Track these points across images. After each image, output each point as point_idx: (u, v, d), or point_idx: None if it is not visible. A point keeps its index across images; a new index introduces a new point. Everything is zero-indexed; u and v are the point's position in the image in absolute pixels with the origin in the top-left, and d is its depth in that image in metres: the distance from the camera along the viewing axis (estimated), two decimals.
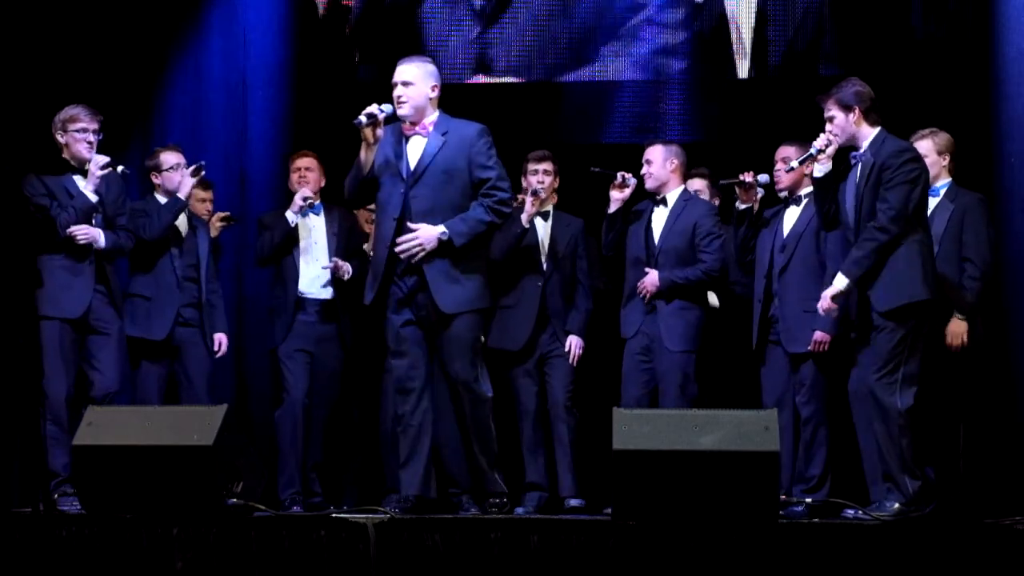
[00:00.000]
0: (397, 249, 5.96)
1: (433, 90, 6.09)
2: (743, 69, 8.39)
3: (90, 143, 6.53)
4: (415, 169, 6.04)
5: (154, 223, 6.86)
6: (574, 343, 7.06)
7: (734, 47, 8.42)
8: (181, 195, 6.92)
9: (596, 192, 7.22)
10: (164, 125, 8.31)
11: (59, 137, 6.55)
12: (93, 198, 6.49)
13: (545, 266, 7.09)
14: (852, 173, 5.97)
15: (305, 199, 7.23)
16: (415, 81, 6.05)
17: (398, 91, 6.04)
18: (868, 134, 5.94)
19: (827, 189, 6.03)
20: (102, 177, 6.51)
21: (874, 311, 5.78)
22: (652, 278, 6.86)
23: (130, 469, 5.43)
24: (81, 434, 5.58)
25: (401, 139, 6.09)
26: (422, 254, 5.94)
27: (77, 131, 6.53)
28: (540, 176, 7.10)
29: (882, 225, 5.75)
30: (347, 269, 7.24)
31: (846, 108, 5.93)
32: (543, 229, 7.14)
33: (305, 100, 8.51)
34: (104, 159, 6.52)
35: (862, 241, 5.78)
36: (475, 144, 6.06)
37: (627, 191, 6.96)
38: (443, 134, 6.06)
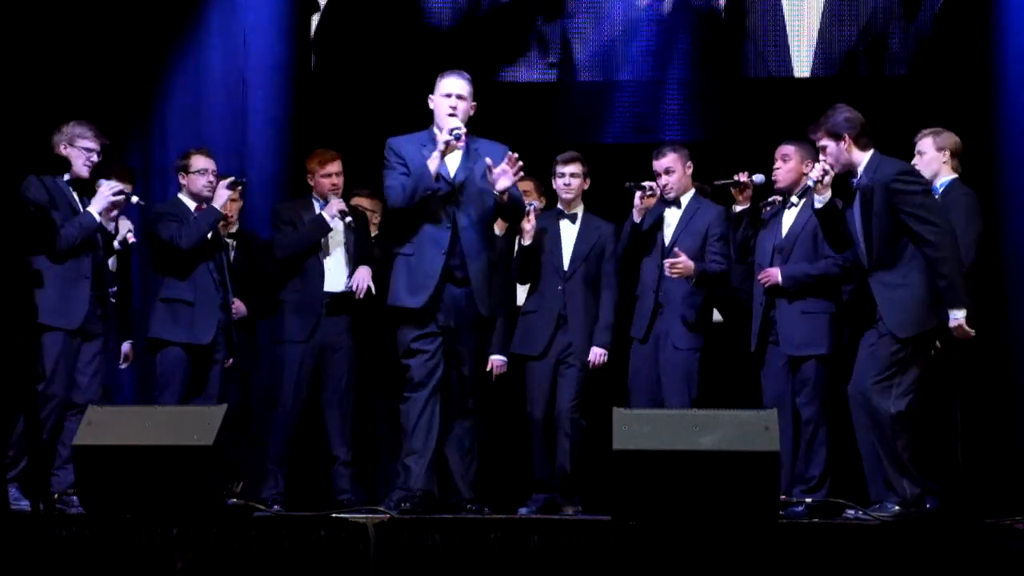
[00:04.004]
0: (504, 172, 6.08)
1: (473, 108, 6.30)
2: (748, 68, 8.40)
3: (92, 163, 6.56)
4: (458, 180, 6.21)
5: (191, 232, 6.84)
6: (598, 355, 7.02)
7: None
8: (216, 205, 6.90)
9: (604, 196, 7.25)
10: (164, 125, 8.31)
11: (62, 148, 6.54)
12: (98, 219, 6.50)
13: (568, 268, 7.09)
14: (855, 199, 5.96)
15: (342, 212, 7.19)
16: (467, 96, 6.25)
17: (454, 103, 6.21)
18: (862, 159, 5.94)
19: (830, 218, 6.03)
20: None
21: (891, 332, 5.79)
22: (685, 262, 6.75)
23: (130, 469, 5.44)
24: (81, 434, 5.59)
25: (431, 150, 6.21)
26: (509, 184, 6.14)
27: (85, 149, 6.53)
28: (567, 179, 7.08)
29: (941, 243, 5.73)
30: (364, 289, 7.20)
31: (836, 137, 5.93)
32: (570, 231, 7.13)
33: (305, 100, 8.51)
34: (117, 186, 6.54)
35: (940, 269, 5.73)
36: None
37: (654, 200, 6.98)
38: (476, 149, 6.27)
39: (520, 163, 6.13)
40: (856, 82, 8.07)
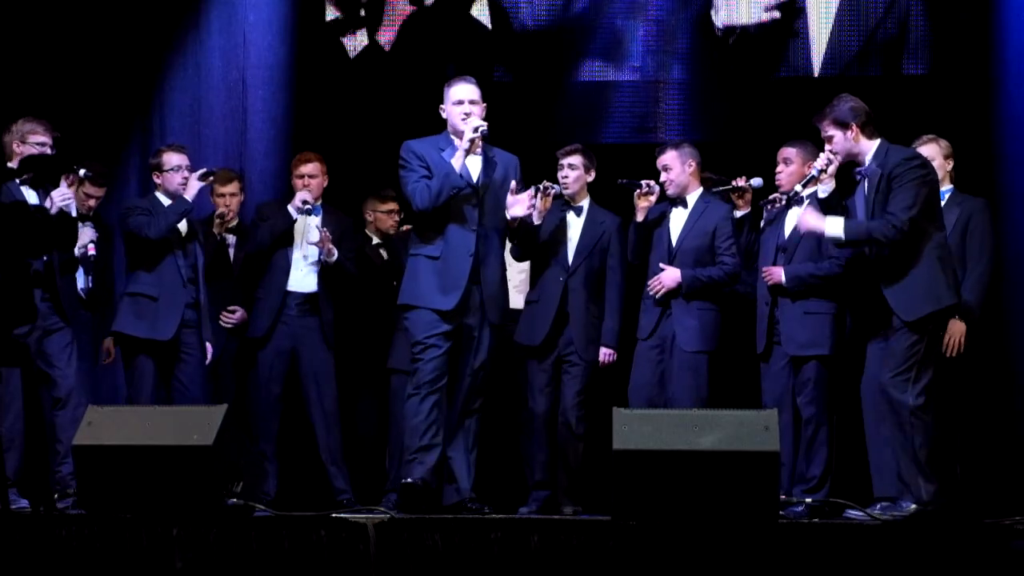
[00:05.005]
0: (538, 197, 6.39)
1: (484, 110, 6.37)
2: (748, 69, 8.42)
3: None
4: (481, 184, 6.31)
5: (159, 222, 6.84)
6: (607, 355, 6.99)
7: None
8: (187, 197, 6.90)
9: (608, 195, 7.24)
10: (164, 125, 8.31)
11: (15, 147, 6.53)
12: None
13: (572, 261, 7.08)
14: (860, 188, 5.97)
15: (304, 203, 7.22)
16: (479, 100, 6.35)
17: (467, 108, 6.31)
18: (869, 148, 5.94)
19: (834, 208, 6.02)
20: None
21: (896, 316, 5.79)
22: (672, 274, 6.77)
23: (130, 469, 5.44)
24: (81, 434, 5.59)
25: (450, 153, 6.29)
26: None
27: (37, 144, 6.51)
28: (565, 171, 7.08)
29: (896, 222, 5.74)
30: (332, 250, 7.19)
31: (843, 126, 5.93)
32: (575, 224, 7.12)
33: (305, 100, 8.51)
34: (65, 193, 6.43)
35: (878, 225, 5.77)
36: (518, 173, 6.46)
37: (653, 198, 6.93)
38: (492, 156, 6.38)
39: (533, 199, 6.38)
40: (856, 83, 8.07)
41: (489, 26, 8.57)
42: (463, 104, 6.30)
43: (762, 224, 6.84)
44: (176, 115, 8.34)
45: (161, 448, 5.43)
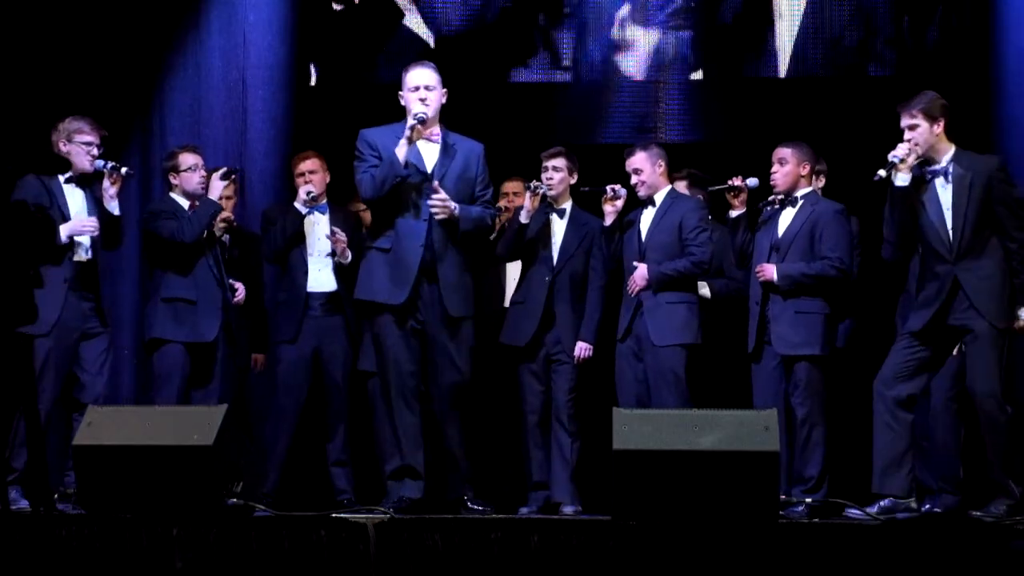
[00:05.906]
0: (430, 202, 6.13)
1: (444, 97, 6.27)
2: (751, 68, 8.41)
3: (93, 156, 6.57)
4: (436, 173, 6.21)
5: (192, 225, 6.84)
6: (582, 349, 6.99)
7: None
8: (212, 197, 6.89)
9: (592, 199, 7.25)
10: (164, 125, 8.31)
11: (62, 146, 6.56)
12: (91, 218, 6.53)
13: (556, 262, 7.08)
14: (931, 187, 5.91)
15: (308, 193, 7.22)
16: (435, 86, 6.24)
17: (423, 94, 6.19)
18: (947, 149, 5.92)
19: (906, 200, 5.95)
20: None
21: (989, 323, 5.77)
22: (640, 271, 6.79)
23: (130, 469, 5.44)
24: (81, 434, 5.59)
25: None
26: (444, 216, 6.13)
27: (84, 143, 6.55)
28: (549, 173, 7.08)
29: None
30: (347, 252, 7.18)
31: (932, 119, 5.89)
32: (558, 227, 7.12)
33: (305, 100, 8.52)
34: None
35: (1021, 265, 5.78)
36: (481, 161, 6.34)
37: (619, 202, 6.93)
38: (452, 144, 6.28)
39: (442, 201, 6.13)
40: (858, 82, 8.08)
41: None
42: (419, 90, 6.20)
43: (759, 223, 6.84)
44: (176, 115, 8.34)
45: (161, 448, 5.43)
